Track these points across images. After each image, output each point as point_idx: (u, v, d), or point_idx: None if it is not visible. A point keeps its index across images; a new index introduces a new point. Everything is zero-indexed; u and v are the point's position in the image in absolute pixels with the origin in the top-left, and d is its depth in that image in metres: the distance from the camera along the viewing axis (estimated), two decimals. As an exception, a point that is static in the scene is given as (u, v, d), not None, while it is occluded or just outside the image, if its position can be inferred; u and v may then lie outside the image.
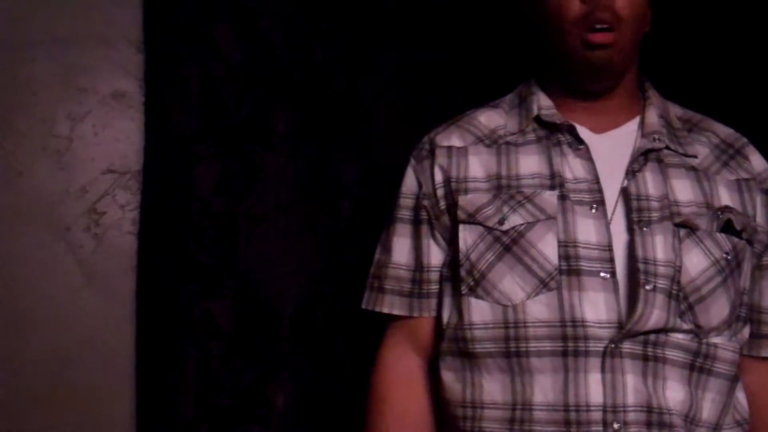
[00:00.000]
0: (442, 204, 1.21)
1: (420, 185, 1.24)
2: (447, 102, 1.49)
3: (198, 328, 1.42)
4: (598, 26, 1.12)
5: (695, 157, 1.19)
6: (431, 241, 1.22)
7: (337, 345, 1.47)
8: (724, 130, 1.24)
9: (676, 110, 1.26)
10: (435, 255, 1.22)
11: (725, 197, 1.16)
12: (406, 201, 1.25)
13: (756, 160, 1.22)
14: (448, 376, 1.17)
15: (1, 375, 1.41)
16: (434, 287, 1.22)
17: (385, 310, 1.25)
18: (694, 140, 1.21)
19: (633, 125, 1.21)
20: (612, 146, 1.17)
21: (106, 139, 1.45)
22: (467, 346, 1.14)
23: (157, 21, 1.44)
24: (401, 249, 1.24)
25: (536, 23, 1.20)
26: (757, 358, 1.20)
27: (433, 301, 1.22)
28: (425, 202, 1.22)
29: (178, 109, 1.43)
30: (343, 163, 1.49)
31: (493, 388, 1.11)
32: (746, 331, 1.19)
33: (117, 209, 1.45)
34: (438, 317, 1.21)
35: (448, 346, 1.17)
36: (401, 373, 1.24)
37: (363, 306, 1.28)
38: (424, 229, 1.23)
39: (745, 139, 1.24)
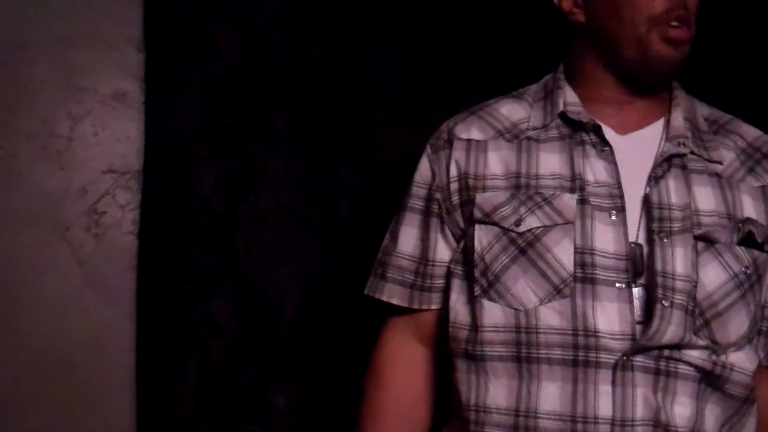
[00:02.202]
0: (455, 199, 1.18)
1: (434, 176, 1.21)
2: (447, 102, 1.49)
3: (198, 328, 1.42)
4: (675, 23, 1.08)
5: (720, 163, 1.14)
6: (439, 236, 1.20)
7: (337, 345, 1.47)
8: (752, 133, 1.20)
9: (703, 110, 1.21)
10: (442, 250, 1.20)
11: (748, 207, 1.12)
12: (418, 190, 1.23)
13: None
14: (454, 376, 1.15)
15: (1, 375, 1.41)
16: (438, 282, 1.20)
17: (384, 298, 1.23)
18: (719, 144, 1.17)
19: (658, 127, 1.17)
20: (636, 149, 1.14)
21: (106, 139, 1.45)
22: (476, 348, 1.11)
23: (157, 21, 1.44)
24: (407, 239, 1.22)
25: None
26: None
27: (436, 295, 1.21)
28: (437, 195, 1.20)
29: (178, 109, 1.43)
30: (343, 163, 1.49)
31: (498, 392, 1.09)
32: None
33: (117, 209, 1.45)
34: (444, 311, 1.19)
35: (455, 345, 1.15)
36: (402, 357, 1.23)
37: (365, 292, 1.26)
38: (434, 222, 1.20)
39: None
